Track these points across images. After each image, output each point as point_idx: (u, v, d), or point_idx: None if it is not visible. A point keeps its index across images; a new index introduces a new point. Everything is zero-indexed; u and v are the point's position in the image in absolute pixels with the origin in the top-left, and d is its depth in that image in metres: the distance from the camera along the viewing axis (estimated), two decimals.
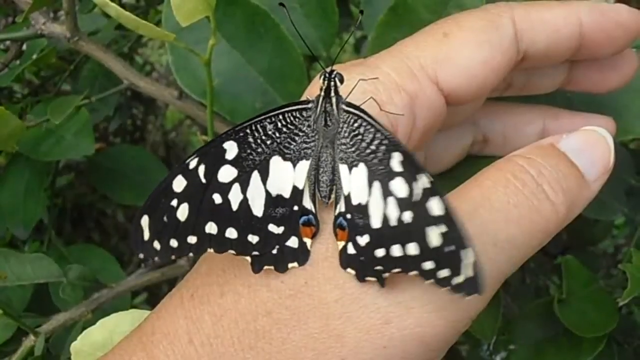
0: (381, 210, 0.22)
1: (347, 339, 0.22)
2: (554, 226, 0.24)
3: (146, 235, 0.23)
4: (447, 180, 0.31)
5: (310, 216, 0.24)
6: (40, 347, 0.36)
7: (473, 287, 0.20)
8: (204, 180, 0.23)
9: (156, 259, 0.23)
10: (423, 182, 0.21)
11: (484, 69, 0.26)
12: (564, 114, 0.31)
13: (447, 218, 0.20)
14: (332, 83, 0.24)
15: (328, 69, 0.24)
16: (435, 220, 0.21)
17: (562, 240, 0.58)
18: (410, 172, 0.22)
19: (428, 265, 0.21)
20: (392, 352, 0.22)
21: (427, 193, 0.21)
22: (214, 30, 0.30)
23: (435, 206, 0.21)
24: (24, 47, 0.49)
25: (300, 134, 0.24)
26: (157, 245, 0.23)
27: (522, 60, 0.27)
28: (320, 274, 0.23)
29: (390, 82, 0.25)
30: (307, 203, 0.24)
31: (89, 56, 0.42)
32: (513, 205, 0.23)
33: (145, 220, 0.23)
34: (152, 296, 0.76)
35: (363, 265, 0.22)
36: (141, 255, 0.23)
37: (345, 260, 0.22)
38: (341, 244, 0.23)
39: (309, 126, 0.24)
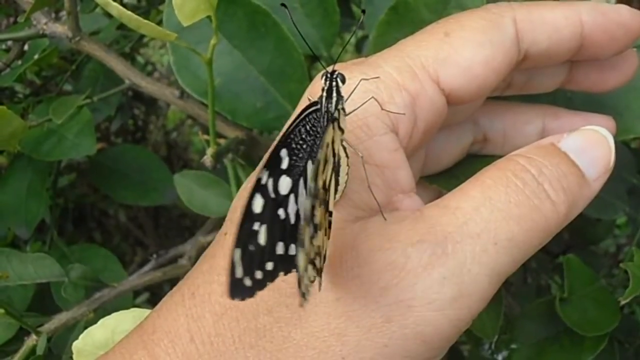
0: None
1: (347, 338, 0.22)
2: (554, 225, 0.24)
3: (239, 273, 0.19)
4: (447, 179, 0.31)
5: None
6: (42, 346, 0.36)
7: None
8: (273, 195, 0.21)
9: (247, 298, 0.19)
10: None
11: (485, 69, 0.26)
12: (564, 114, 0.31)
13: None
14: (334, 83, 0.24)
15: (329, 69, 0.24)
16: None
17: (564, 240, 0.58)
18: None
19: None
20: (393, 351, 0.22)
21: None
22: (216, 29, 0.30)
23: None
24: (26, 47, 0.49)
25: (318, 135, 0.24)
26: (248, 282, 0.19)
27: (523, 60, 0.27)
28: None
29: (391, 81, 0.25)
30: None
31: (90, 56, 0.42)
32: (514, 205, 0.23)
33: (238, 255, 0.19)
34: (154, 296, 0.76)
35: None
36: (238, 299, 0.19)
37: None
38: None
39: (320, 127, 0.24)
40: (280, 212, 0.21)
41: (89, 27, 0.48)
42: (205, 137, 0.37)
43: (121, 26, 0.51)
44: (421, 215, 0.23)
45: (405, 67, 0.25)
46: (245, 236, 0.20)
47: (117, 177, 0.55)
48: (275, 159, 0.22)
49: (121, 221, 0.90)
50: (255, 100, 0.36)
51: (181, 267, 0.42)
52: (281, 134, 0.23)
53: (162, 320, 0.24)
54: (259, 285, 0.20)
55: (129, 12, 0.28)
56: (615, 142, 0.26)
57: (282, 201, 0.21)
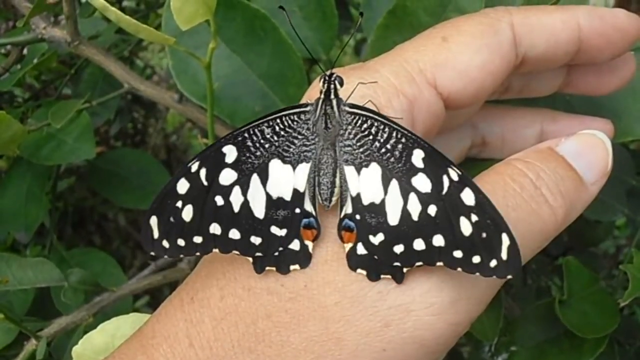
0: (399, 207, 0.23)
1: (346, 342, 0.22)
2: (552, 229, 0.24)
3: (155, 234, 0.23)
4: None
5: (312, 219, 0.24)
6: (42, 351, 0.36)
7: (507, 269, 0.21)
8: (205, 183, 0.23)
9: (165, 256, 0.24)
10: (451, 175, 0.22)
11: (483, 73, 0.26)
12: (562, 117, 0.31)
13: (479, 207, 0.21)
14: (332, 85, 0.24)
15: (328, 72, 0.24)
16: (466, 210, 0.21)
17: (564, 242, 0.58)
18: (435, 166, 0.22)
19: (457, 254, 0.21)
20: (392, 355, 0.22)
21: (457, 185, 0.22)
22: (214, 34, 0.30)
23: (467, 197, 0.22)
24: (25, 51, 0.49)
25: (300, 137, 0.24)
26: (165, 243, 0.23)
27: (521, 64, 0.27)
28: (319, 277, 0.23)
29: (389, 86, 0.25)
30: (308, 206, 0.24)
31: (89, 60, 0.42)
32: (512, 209, 0.23)
33: (153, 220, 0.23)
34: (154, 299, 0.76)
35: (377, 264, 0.22)
36: (152, 253, 0.24)
37: (355, 261, 0.23)
38: (348, 246, 0.23)
39: (308, 129, 0.24)
40: (218, 199, 0.23)
41: (88, 31, 0.48)
42: (205, 140, 0.37)
43: (120, 30, 0.51)
44: None
45: (402, 71, 0.25)
46: (162, 207, 0.23)
47: (116, 180, 0.55)
48: (215, 153, 0.24)
49: (121, 225, 0.90)
50: (254, 103, 0.36)
51: (180, 271, 0.42)
52: (230, 132, 0.24)
53: (162, 325, 0.24)
54: (182, 250, 0.24)
55: (128, 17, 0.28)
56: (614, 145, 0.26)
57: (221, 190, 0.23)
